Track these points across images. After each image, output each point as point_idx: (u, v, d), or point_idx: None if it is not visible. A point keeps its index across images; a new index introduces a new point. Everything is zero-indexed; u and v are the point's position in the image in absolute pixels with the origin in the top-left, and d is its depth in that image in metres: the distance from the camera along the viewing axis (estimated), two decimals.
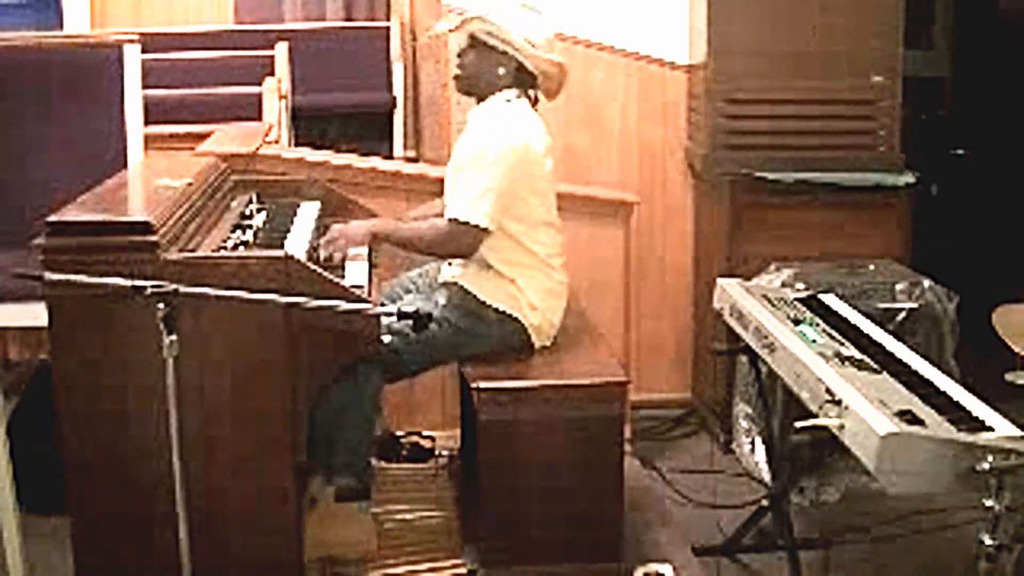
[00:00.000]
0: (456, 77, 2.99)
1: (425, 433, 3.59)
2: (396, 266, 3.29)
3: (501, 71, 2.91)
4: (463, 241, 2.85)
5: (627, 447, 3.37)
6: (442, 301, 2.90)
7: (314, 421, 2.69)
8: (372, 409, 2.85)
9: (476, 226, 2.81)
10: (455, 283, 2.94)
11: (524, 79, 2.94)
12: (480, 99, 2.97)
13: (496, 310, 2.90)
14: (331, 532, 2.79)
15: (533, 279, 2.94)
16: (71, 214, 2.42)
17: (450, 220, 2.86)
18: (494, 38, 2.87)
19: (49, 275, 2.25)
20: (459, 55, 2.97)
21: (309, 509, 2.79)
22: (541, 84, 2.97)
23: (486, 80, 2.93)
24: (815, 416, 2.33)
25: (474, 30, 2.89)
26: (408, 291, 3.13)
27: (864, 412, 2.15)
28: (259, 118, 4.54)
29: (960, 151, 5.30)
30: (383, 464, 3.42)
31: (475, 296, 2.91)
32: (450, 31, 3.01)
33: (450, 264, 3.03)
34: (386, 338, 2.62)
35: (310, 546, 2.70)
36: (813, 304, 3.05)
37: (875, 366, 2.50)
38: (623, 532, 2.86)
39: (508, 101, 2.92)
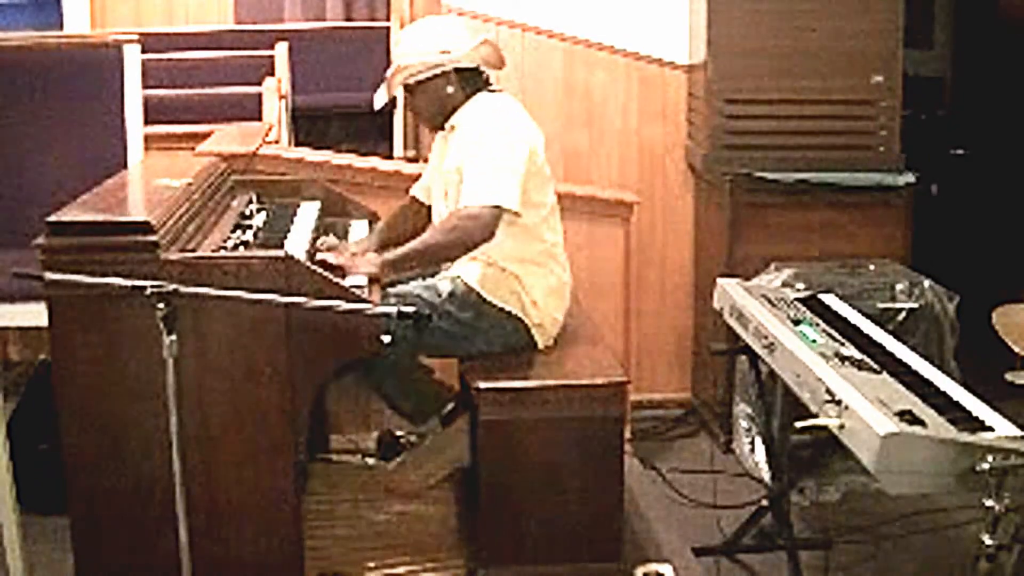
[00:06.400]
0: (424, 123, 3.06)
1: None
2: None
3: (450, 89, 2.94)
4: (484, 225, 2.77)
5: (627, 447, 3.37)
6: (444, 292, 2.90)
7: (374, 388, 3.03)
8: (408, 363, 2.95)
9: (499, 207, 2.77)
10: (459, 276, 2.95)
11: (471, 77, 2.97)
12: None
13: (498, 308, 2.91)
14: (441, 456, 3.12)
15: (537, 276, 2.95)
16: (71, 214, 2.41)
17: (471, 208, 2.77)
18: (419, 74, 2.91)
19: (49, 275, 2.26)
20: (410, 108, 3.04)
21: (420, 442, 3.18)
22: (486, 67, 3.00)
23: (445, 105, 2.96)
24: (815, 416, 2.33)
25: (401, 81, 2.94)
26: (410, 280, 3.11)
27: (864, 412, 2.14)
28: (259, 118, 4.54)
29: (960, 151, 5.30)
30: (382, 464, 3.42)
31: (477, 292, 2.91)
32: (391, 97, 3.03)
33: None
34: (386, 338, 2.63)
35: (420, 476, 3.14)
36: (813, 304, 3.05)
37: (875, 366, 2.50)
38: (623, 532, 2.86)
39: (481, 100, 2.95)
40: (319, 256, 2.86)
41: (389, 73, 2.99)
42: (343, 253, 2.92)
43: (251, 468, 2.45)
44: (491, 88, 3.01)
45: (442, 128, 3.01)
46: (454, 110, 2.96)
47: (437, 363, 3.37)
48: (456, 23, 3.13)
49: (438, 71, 2.92)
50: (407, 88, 2.97)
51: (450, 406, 3.11)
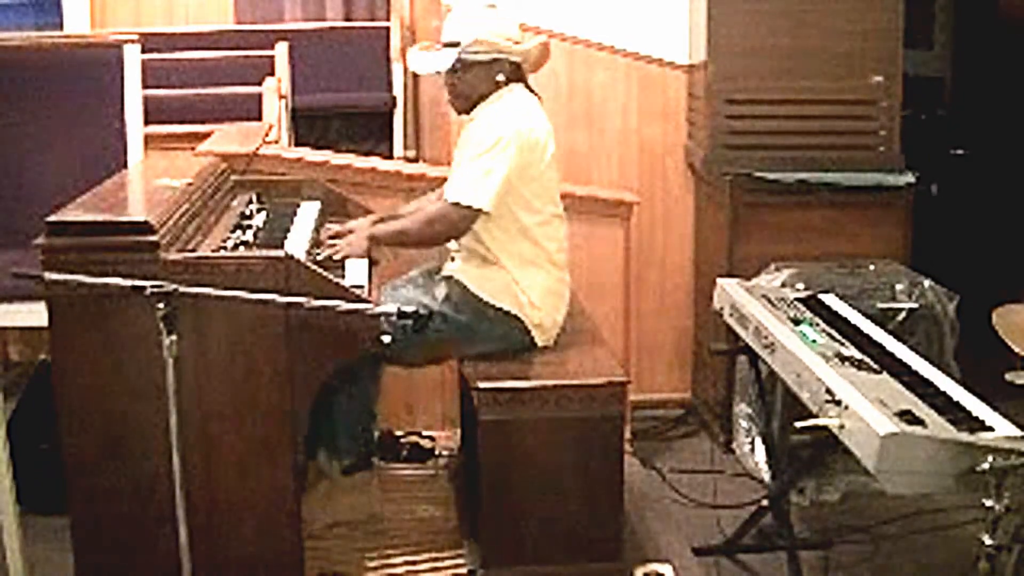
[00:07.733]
0: (456, 103, 2.98)
1: (425, 433, 3.59)
2: (398, 265, 3.28)
3: (500, 77, 2.94)
4: (455, 222, 2.86)
5: (627, 447, 3.38)
6: (440, 296, 2.91)
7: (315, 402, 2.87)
8: (369, 391, 3.06)
9: (470, 207, 2.82)
10: (455, 278, 2.95)
11: (516, 71, 2.97)
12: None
13: (496, 308, 2.91)
14: (340, 501, 3.06)
15: (536, 276, 2.94)
16: (71, 214, 2.42)
17: (447, 203, 2.86)
18: (485, 53, 2.90)
19: (49, 275, 2.26)
20: (452, 83, 2.96)
21: (316, 481, 3.04)
22: (527, 67, 3.01)
23: (485, 91, 2.94)
24: (815, 416, 2.33)
25: (476, 52, 2.90)
26: (407, 285, 3.12)
27: (864, 412, 2.15)
28: (259, 118, 4.54)
29: (960, 151, 5.30)
30: (383, 464, 3.42)
31: (474, 293, 2.91)
32: (444, 70, 2.93)
33: (452, 260, 3.04)
34: (386, 338, 2.63)
35: (319, 515, 2.99)
36: (813, 304, 3.05)
37: (875, 366, 2.50)
38: (623, 532, 2.86)
39: (510, 93, 2.95)
40: (323, 253, 2.89)
41: (452, 40, 2.91)
42: (343, 234, 3.02)
43: (251, 468, 2.45)
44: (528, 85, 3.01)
45: (471, 111, 2.98)
46: (487, 95, 2.95)
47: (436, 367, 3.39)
48: (513, 13, 3.11)
49: (502, 55, 2.92)
50: (461, 61, 2.91)
51: (353, 460, 3.09)
